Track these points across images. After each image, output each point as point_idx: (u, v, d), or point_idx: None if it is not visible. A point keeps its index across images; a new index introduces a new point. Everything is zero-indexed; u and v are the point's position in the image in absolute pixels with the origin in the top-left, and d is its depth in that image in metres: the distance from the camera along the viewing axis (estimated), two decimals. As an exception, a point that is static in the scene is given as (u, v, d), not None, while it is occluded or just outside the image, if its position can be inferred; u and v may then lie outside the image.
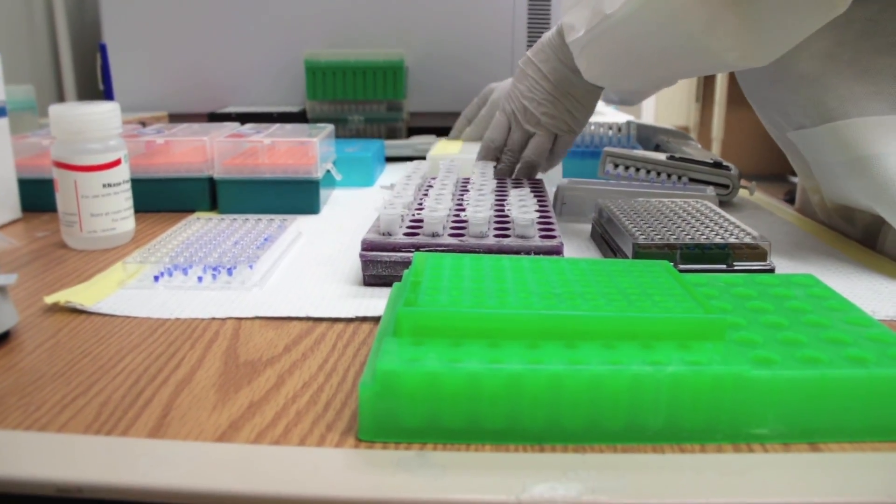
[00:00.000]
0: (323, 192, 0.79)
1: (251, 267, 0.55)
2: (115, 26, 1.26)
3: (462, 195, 0.67)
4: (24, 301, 0.52)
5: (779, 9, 0.53)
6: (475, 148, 0.94)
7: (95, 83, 1.31)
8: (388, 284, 0.55)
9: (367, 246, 0.55)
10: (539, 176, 0.80)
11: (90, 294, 0.52)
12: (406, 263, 0.54)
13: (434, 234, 0.56)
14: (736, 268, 0.56)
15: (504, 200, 0.65)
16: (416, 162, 0.78)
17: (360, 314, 0.50)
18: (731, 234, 0.58)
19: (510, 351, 0.35)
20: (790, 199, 0.89)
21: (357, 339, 0.46)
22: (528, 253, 0.54)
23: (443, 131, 1.12)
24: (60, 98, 1.40)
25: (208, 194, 0.77)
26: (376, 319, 0.49)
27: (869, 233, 0.69)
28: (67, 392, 0.39)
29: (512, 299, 0.39)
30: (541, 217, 0.59)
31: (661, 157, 0.83)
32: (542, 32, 1.24)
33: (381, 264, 0.54)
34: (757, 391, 0.34)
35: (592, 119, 0.83)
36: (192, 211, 0.78)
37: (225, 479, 0.32)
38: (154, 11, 1.26)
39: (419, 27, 1.16)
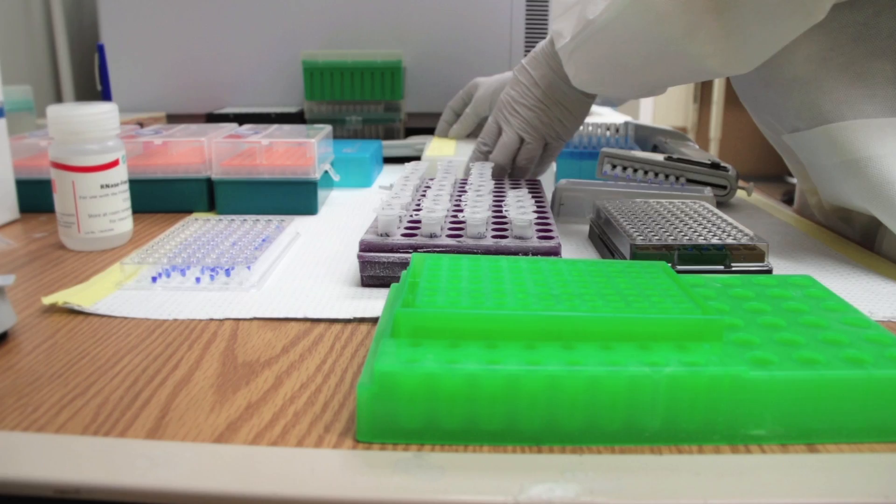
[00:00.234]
0: (321, 193, 0.79)
1: (249, 268, 0.55)
2: (113, 27, 1.26)
3: (460, 196, 0.67)
4: (22, 302, 0.52)
5: (758, 16, 0.54)
6: (469, 148, 0.95)
7: (93, 84, 1.31)
8: (386, 285, 0.55)
9: (365, 247, 0.55)
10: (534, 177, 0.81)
11: (88, 295, 0.52)
12: (404, 264, 0.54)
13: (432, 235, 0.56)
14: (733, 269, 0.56)
15: (502, 201, 0.65)
16: (413, 163, 0.78)
17: (358, 315, 0.50)
18: (729, 235, 0.58)
19: (508, 352, 0.35)
20: (788, 200, 0.89)
21: (355, 340, 0.46)
22: (525, 254, 0.54)
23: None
24: (58, 99, 1.40)
25: (206, 195, 0.77)
26: (374, 320, 0.49)
27: (866, 234, 0.69)
28: (65, 393, 0.39)
29: (510, 300, 0.39)
30: (539, 218, 0.59)
31: (659, 157, 0.83)
32: (540, 33, 1.25)
33: (378, 265, 0.55)
34: (754, 392, 0.34)
35: (590, 120, 0.83)
36: (189, 212, 0.78)
37: (223, 480, 0.32)
38: (152, 12, 1.26)
39: (417, 28, 1.16)
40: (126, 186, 0.65)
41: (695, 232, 0.59)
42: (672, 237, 0.57)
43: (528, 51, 1.24)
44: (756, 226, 0.74)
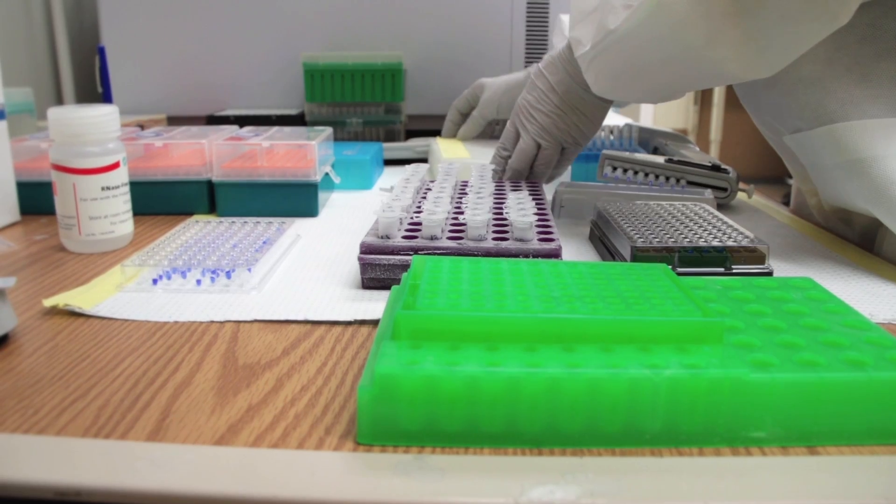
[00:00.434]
0: (321, 195, 0.79)
1: (250, 270, 0.55)
2: (114, 29, 1.26)
3: (460, 198, 0.67)
4: (23, 304, 0.52)
5: (780, 22, 0.53)
6: (477, 149, 0.95)
7: (94, 86, 1.31)
8: (387, 287, 0.55)
9: (366, 249, 0.55)
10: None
11: (89, 297, 0.52)
12: (404, 266, 0.54)
13: (432, 237, 0.56)
14: (734, 271, 0.56)
15: (502, 203, 0.65)
16: (414, 165, 0.78)
17: (359, 317, 0.50)
18: (729, 238, 0.58)
19: (508, 354, 0.35)
20: (788, 202, 0.89)
21: (355, 342, 0.46)
22: (526, 256, 0.54)
23: (440, 134, 1.12)
24: (59, 101, 1.40)
25: (207, 197, 0.77)
26: (375, 322, 0.49)
27: (866, 235, 0.69)
28: (66, 395, 0.39)
29: (510, 302, 0.39)
30: (539, 220, 0.59)
31: (660, 160, 0.83)
32: (540, 35, 1.25)
33: (379, 267, 0.55)
34: (755, 394, 0.34)
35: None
36: (190, 214, 0.78)
37: (223, 482, 0.32)
38: (153, 14, 1.26)
39: (417, 30, 1.16)
40: (127, 188, 0.65)
41: (695, 234, 0.59)
42: (672, 239, 0.57)
43: (529, 53, 1.24)
44: (756, 228, 0.74)
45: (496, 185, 0.73)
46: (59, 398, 0.38)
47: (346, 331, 0.48)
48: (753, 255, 0.56)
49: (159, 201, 0.77)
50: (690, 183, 0.81)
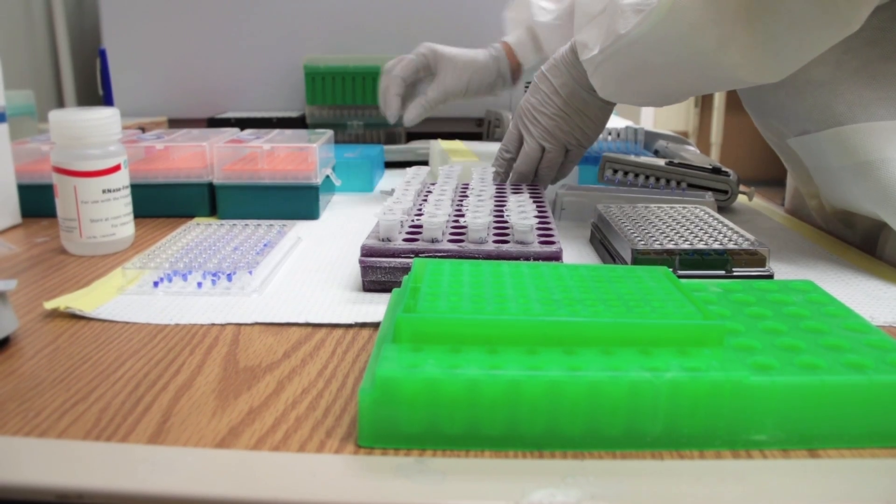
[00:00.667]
0: (322, 198, 0.79)
1: (251, 272, 0.55)
2: (115, 32, 1.26)
3: (461, 201, 0.67)
4: (24, 307, 0.52)
5: (792, 27, 0.53)
6: (480, 148, 0.95)
7: (95, 88, 1.31)
8: (388, 290, 0.55)
9: (367, 252, 0.55)
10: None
11: (90, 300, 0.52)
12: (405, 269, 0.54)
13: (433, 240, 0.56)
14: (735, 273, 0.56)
15: (503, 206, 0.65)
16: (415, 167, 0.78)
17: (360, 320, 0.50)
18: (730, 240, 0.58)
19: (509, 357, 0.35)
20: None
21: (356, 345, 0.46)
22: (527, 259, 0.54)
23: (441, 136, 1.12)
24: (60, 103, 1.40)
25: (208, 200, 0.78)
26: (376, 325, 0.49)
27: (868, 238, 0.69)
28: (67, 398, 0.39)
29: (511, 305, 0.39)
30: (540, 223, 0.59)
31: (660, 162, 0.83)
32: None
33: (380, 270, 0.55)
34: (755, 397, 0.34)
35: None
36: (191, 216, 0.78)
37: (224, 485, 0.32)
38: (154, 17, 1.26)
39: (418, 32, 1.16)
40: (128, 191, 0.65)
41: (696, 237, 0.59)
42: (673, 242, 0.57)
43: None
44: (757, 230, 0.74)
45: (497, 188, 0.74)
46: (60, 401, 0.39)
47: (347, 333, 0.48)
48: (754, 258, 0.56)
49: (160, 204, 0.77)
50: (691, 185, 0.81)
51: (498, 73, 1.00)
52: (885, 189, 0.58)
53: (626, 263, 0.57)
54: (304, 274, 0.59)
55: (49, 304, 0.51)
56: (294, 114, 1.24)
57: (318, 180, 0.76)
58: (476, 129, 1.28)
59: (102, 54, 1.26)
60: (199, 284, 0.55)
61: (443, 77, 0.95)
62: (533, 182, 0.78)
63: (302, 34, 1.26)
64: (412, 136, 1.23)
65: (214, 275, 0.55)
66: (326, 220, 0.78)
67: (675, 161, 0.84)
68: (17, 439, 0.35)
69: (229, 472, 0.32)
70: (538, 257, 0.54)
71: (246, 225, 0.67)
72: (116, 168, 0.63)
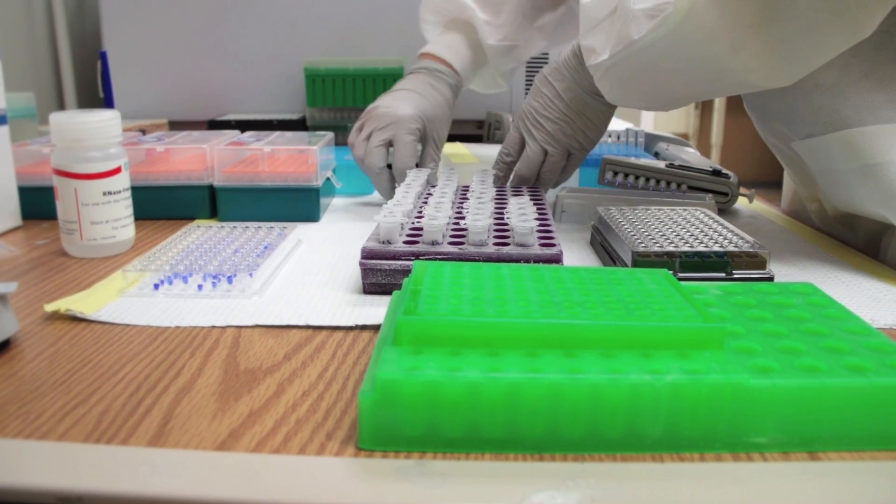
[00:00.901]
0: (323, 200, 0.79)
1: (251, 275, 0.55)
2: (116, 34, 1.27)
3: (461, 203, 0.67)
4: (25, 309, 0.52)
5: (805, 32, 0.53)
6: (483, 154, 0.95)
7: (96, 91, 1.32)
8: (388, 292, 0.55)
9: (367, 254, 0.55)
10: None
11: (90, 302, 0.52)
12: (406, 272, 0.54)
13: (434, 243, 0.56)
14: (735, 276, 0.56)
15: (503, 208, 0.65)
16: (415, 169, 0.78)
17: (360, 322, 0.50)
18: (731, 243, 0.58)
19: (509, 360, 0.35)
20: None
21: (357, 347, 0.46)
22: (527, 261, 0.54)
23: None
24: (61, 106, 1.40)
25: (208, 202, 0.78)
26: (376, 328, 0.49)
27: (871, 241, 0.69)
28: (68, 400, 0.39)
29: (511, 308, 0.39)
30: (540, 225, 0.59)
31: (661, 164, 0.83)
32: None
33: (380, 272, 0.55)
34: (756, 400, 0.34)
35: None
36: (192, 219, 0.78)
37: (225, 487, 0.32)
38: (154, 19, 1.26)
39: (418, 34, 1.16)
40: (128, 193, 0.65)
41: (696, 239, 0.59)
42: (673, 244, 0.57)
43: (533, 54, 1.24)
44: (757, 233, 0.74)
45: (497, 191, 0.74)
46: (60, 403, 0.39)
47: (348, 336, 0.48)
48: (754, 261, 0.56)
49: (161, 206, 0.77)
50: (691, 188, 0.81)
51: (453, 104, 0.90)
52: (893, 191, 0.59)
53: (626, 266, 0.57)
54: (305, 276, 0.59)
55: (49, 307, 0.51)
56: (294, 116, 1.24)
57: (319, 182, 0.76)
58: (477, 132, 1.28)
59: (103, 56, 1.26)
60: (200, 287, 0.55)
61: (434, 138, 0.85)
62: (534, 185, 0.78)
63: (302, 37, 1.26)
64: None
65: (215, 277, 0.55)
66: (327, 222, 0.78)
67: (676, 163, 0.85)
68: (17, 442, 0.35)
69: (230, 475, 0.32)
70: (538, 260, 0.54)
71: (246, 227, 0.68)
72: (117, 170, 0.63)
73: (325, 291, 0.56)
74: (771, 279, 0.56)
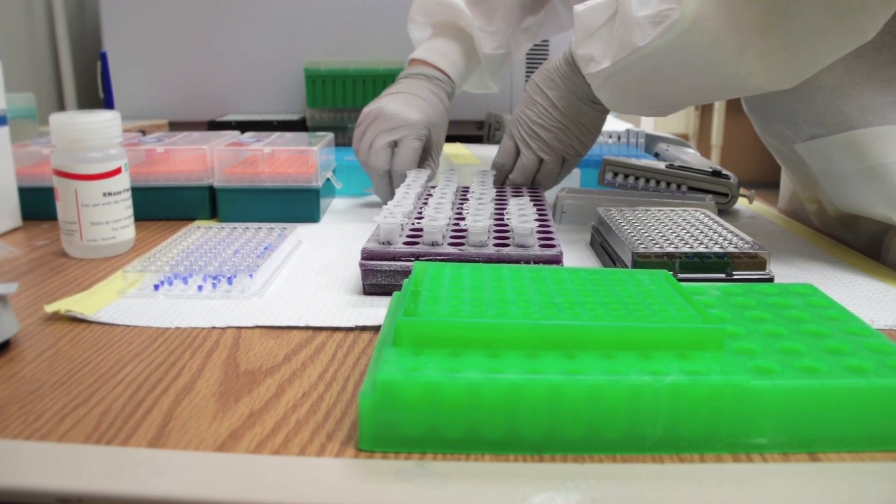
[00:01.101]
0: (323, 201, 0.79)
1: (251, 276, 0.55)
2: (116, 35, 1.27)
3: (461, 204, 0.67)
4: (25, 310, 0.52)
5: (809, 35, 0.53)
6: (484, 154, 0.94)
7: (96, 91, 1.32)
8: (388, 293, 0.55)
9: (367, 255, 0.55)
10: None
11: (90, 303, 0.52)
12: (406, 272, 0.54)
13: (434, 244, 0.56)
14: (735, 277, 0.56)
15: (503, 209, 0.65)
16: (415, 170, 0.78)
17: (360, 323, 0.50)
18: (730, 244, 0.58)
19: (509, 361, 0.35)
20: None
21: (357, 348, 0.46)
22: (527, 262, 0.54)
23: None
24: (61, 106, 1.40)
25: (208, 203, 0.78)
26: (376, 329, 0.49)
27: (873, 242, 0.69)
28: (68, 401, 0.39)
29: (511, 309, 0.39)
30: (540, 226, 0.59)
31: (661, 165, 0.83)
32: (541, 43, 1.25)
33: (380, 273, 0.55)
34: (756, 401, 0.34)
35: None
36: (192, 219, 0.78)
37: (225, 488, 0.32)
38: (154, 20, 1.26)
39: (419, 36, 1.17)
40: (128, 194, 0.65)
41: (696, 240, 0.59)
42: (673, 245, 0.57)
43: (529, 58, 1.25)
44: (757, 234, 0.74)
45: (497, 191, 0.74)
46: (60, 404, 0.39)
47: (348, 337, 0.48)
48: (754, 261, 0.56)
49: (161, 207, 0.77)
50: (691, 188, 0.81)
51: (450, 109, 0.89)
52: None
53: (626, 267, 0.57)
54: (305, 277, 0.59)
55: (49, 308, 0.51)
56: (294, 117, 1.24)
57: (319, 183, 0.76)
58: (477, 132, 1.28)
59: (103, 57, 1.26)
60: (200, 288, 0.55)
61: (436, 144, 0.84)
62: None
63: (302, 37, 1.26)
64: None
65: (215, 278, 0.55)
66: (327, 223, 0.78)
67: (676, 164, 0.85)
68: (17, 443, 0.35)
69: (230, 476, 0.32)
70: (538, 260, 0.54)
71: (246, 228, 0.68)
72: (117, 171, 0.63)
73: (325, 292, 0.56)
74: (771, 280, 0.56)
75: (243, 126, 1.16)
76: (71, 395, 0.39)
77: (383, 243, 0.56)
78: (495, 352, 0.36)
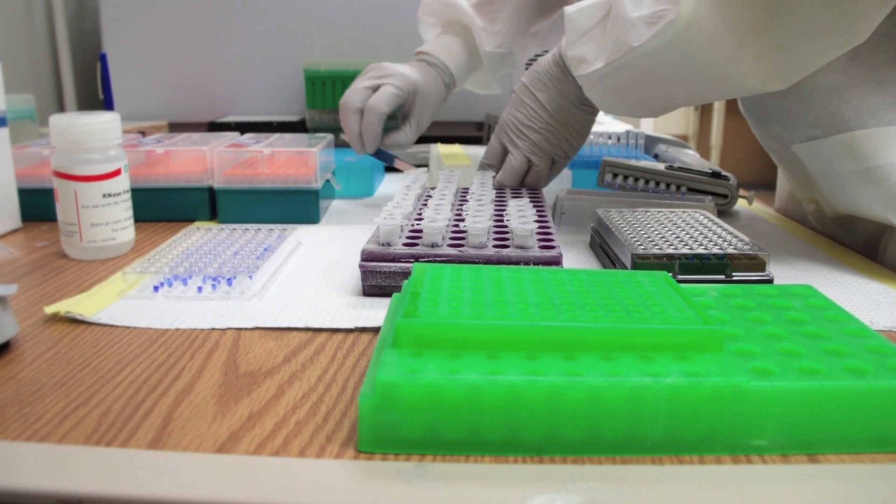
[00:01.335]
0: (322, 202, 0.79)
1: (251, 277, 0.55)
2: (116, 36, 1.27)
3: (461, 206, 0.67)
4: (24, 311, 0.52)
5: (803, 36, 0.54)
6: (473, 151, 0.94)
7: (95, 93, 1.32)
8: (388, 295, 0.55)
9: (367, 256, 0.55)
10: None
11: (90, 304, 0.52)
12: (405, 274, 0.54)
13: (433, 245, 0.56)
14: (734, 278, 0.56)
15: (503, 211, 0.65)
16: (415, 171, 0.78)
17: (360, 325, 0.50)
18: (730, 245, 0.58)
19: (509, 362, 0.35)
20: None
21: (357, 349, 0.46)
22: (527, 263, 0.54)
23: (440, 140, 1.13)
24: (60, 107, 1.40)
25: (208, 204, 0.78)
26: (376, 330, 0.50)
27: (870, 243, 0.70)
28: (67, 403, 0.39)
29: (511, 310, 0.39)
30: (540, 227, 0.59)
31: (660, 166, 0.83)
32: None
33: (380, 275, 0.55)
34: (755, 402, 0.34)
35: (592, 128, 0.83)
36: (191, 221, 0.78)
37: (225, 490, 0.32)
38: (154, 21, 1.26)
39: (417, 36, 1.17)
40: (128, 195, 0.65)
41: (696, 241, 0.59)
42: (673, 246, 0.57)
43: (529, 62, 1.24)
44: (757, 235, 0.74)
45: (497, 193, 0.74)
46: (60, 405, 0.39)
47: (347, 338, 0.48)
48: (754, 263, 0.57)
49: (160, 208, 0.77)
50: (691, 190, 0.81)
51: (444, 98, 0.90)
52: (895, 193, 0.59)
53: (625, 268, 0.57)
54: (305, 278, 0.59)
55: (49, 309, 0.51)
56: (294, 118, 1.24)
57: (319, 184, 0.76)
58: (476, 133, 1.28)
59: (103, 58, 1.26)
60: (200, 289, 0.55)
61: (418, 114, 0.85)
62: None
63: (302, 38, 1.26)
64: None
65: (215, 279, 0.55)
66: (327, 224, 0.78)
67: (675, 165, 0.85)
68: (17, 444, 0.35)
69: (230, 477, 0.32)
70: (538, 262, 0.54)
71: (246, 229, 0.68)
72: (117, 172, 0.63)
73: (324, 293, 0.56)
74: (770, 281, 0.56)
75: (243, 127, 1.16)
76: (71, 397, 0.39)
77: (383, 244, 0.56)
78: (495, 353, 0.36)
